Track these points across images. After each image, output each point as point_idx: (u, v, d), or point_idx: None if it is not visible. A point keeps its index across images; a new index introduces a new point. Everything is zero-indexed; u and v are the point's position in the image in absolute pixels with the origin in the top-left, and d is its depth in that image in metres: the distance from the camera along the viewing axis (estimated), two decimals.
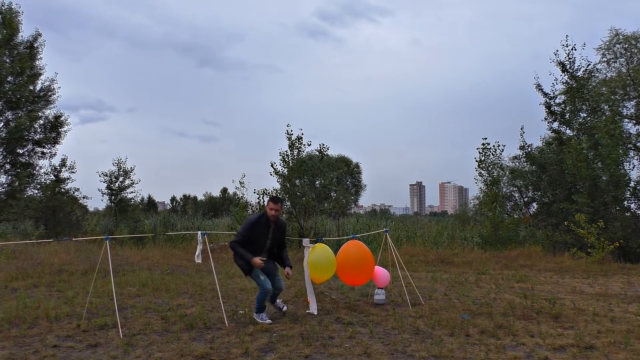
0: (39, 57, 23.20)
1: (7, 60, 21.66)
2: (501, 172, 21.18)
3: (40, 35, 23.36)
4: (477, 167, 20.40)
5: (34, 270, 12.70)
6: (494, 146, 20.19)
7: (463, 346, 5.82)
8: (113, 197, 25.64)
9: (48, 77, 23.71)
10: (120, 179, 25.60)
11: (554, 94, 20.50)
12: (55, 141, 23.88)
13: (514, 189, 24.40)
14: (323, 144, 21.84)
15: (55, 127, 23.77)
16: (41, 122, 23.26)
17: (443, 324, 6.88)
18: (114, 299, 7.07)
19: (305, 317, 7.47)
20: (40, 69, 23.17)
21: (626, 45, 24.88)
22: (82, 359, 5.47)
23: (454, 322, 6.97)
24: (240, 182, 21.61)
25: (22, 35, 22.73)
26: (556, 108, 20.41)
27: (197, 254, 7.60)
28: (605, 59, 25.42)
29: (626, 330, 6.52)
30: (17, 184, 22.31)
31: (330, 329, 6.69)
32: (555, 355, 5.45)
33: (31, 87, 22.73)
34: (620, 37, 24.96)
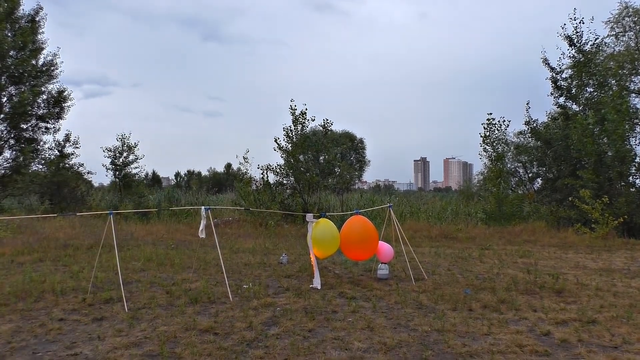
0: (40, 31, 23.02)
1: (9, 35, 21.50)
2: (506, 147, 21.07)
3: (41, 8, 23.13)
4: (481, 142, 20.31)
5: (40, 245, 12.83)
6: (499, 121, 20.07)
7: (466, 320, 5.85)
8: (117, 173, 25.78)
9: (50, 52, 23.58)
10: (124, 154, 25.68)
11: (560, 68, 20.23)
12: (58, 116, 23.87)
13: (519, 164, 24.27)
14: (327, 119, 21.63)
15: (58, 102, 23.71)
16: (44, 97, 23.23)
17: (446, 299, 6.91)
18: (119, 273, 7.14)
19: (308, 291, 7.52)
20: (42, 43, 23.00)
21: (635, 19, 24.31)
22: (87, 333, 5.53)
23: (457, 297, 7.01)
24: (244, 158, 21.69)
25: (23, 9, 22.54)
26: (563, 83, 20.17)
27: (201, 229, 7.64)
28: (614, 33, 24.87)
29: (629, 305, 6.54)
30: (21, 159, 22.39)
31: (333, 304, 6.73)
32: (558, 330, 5.47)
33: (33, 62, 22.60)
34: (630, 9, 24.37)
